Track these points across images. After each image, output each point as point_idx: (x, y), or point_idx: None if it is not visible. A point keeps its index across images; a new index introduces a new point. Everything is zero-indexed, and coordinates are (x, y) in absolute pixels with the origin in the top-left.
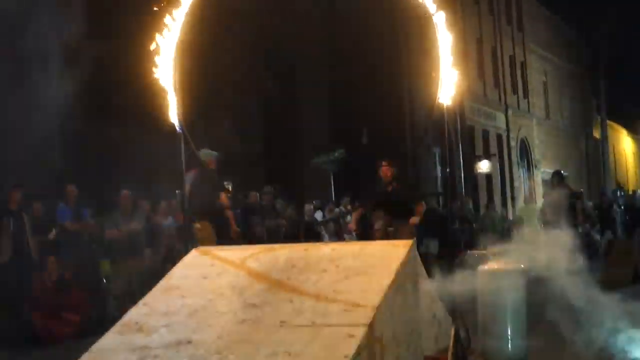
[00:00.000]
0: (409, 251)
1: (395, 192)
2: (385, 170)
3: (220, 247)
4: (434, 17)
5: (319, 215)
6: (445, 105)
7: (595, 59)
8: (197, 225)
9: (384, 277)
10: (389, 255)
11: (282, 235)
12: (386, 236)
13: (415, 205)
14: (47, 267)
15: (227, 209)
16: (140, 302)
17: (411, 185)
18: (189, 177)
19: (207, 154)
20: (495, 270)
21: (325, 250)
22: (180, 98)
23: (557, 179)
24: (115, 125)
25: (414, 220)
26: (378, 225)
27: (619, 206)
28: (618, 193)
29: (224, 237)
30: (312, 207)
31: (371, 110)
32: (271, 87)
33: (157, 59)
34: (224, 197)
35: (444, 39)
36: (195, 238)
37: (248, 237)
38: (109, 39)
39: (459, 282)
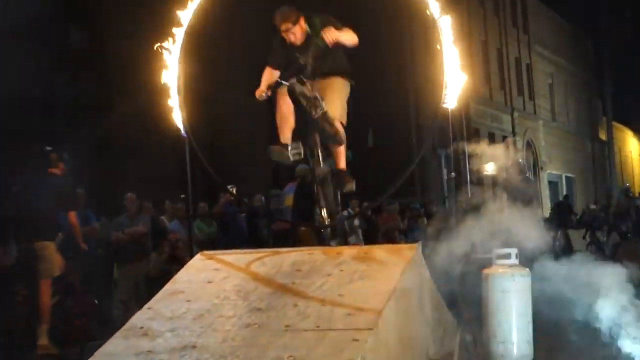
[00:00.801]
0: (414, 254)
1: None
2: None
3: (224, 251)
4: (439, 21)
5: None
6: (450, 109)
7: (601, 60)
8: (303, 229)
9: (389, 281)
10: (394, 258)
11: (287, 238)
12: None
13: None
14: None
15: None
16: (145, 307)
17: None
18: (290, 188)
19: (303, 169)
20: (500, 273)
21: (331, 253)
22: (185, 101)
23: None
24: (120, 128)
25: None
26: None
27: (636, 207)
28: (629, 193)
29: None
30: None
31: (377, 113)
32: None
33: (163, 63)
34: None
35: (450, 42)
36: (300, 239)
37: (253, 241)
38: (114, 43)
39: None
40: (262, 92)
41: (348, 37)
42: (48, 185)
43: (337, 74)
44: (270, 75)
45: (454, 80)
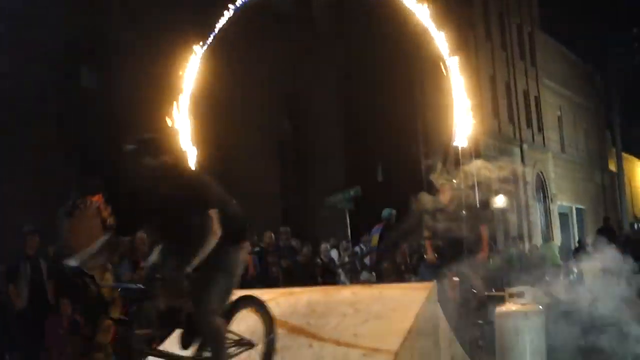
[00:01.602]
0: (429, 294)
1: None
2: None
3: (238, 292)
4: (447, 61)
5: (334, 254)
6: (460, 147)
7: (609, 91)
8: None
9: (404, 321)
10: (408, 298)
11: (298, 276)
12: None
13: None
14: (61, 309)
15: None
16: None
17: None
18: (377, 229)
19: (388, 212)
20: (514, 311)
21: (345, 293)
22: (195, 141)
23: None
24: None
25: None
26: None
27: None
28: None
29: None
30: (327, 246)
31: (386, 148)
32: (286, 127)
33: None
34: None
35: (458, 82)
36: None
37: (264, 278)
38: (125, 84)
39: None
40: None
41: None
42: None
43: None
44: None
45: (463, 119)
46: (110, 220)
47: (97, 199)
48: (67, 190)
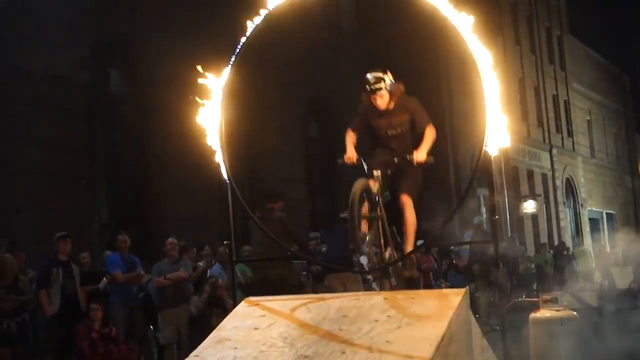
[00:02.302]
0: (462, 299)
1: None
2: None
3: (269, 297)
4: (479, 62)
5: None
6: (492, 154)
7: (639, 95)
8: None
9: (437, 327)
10: (441, 304)
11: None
12: None
13: None
14: (91, 315)
15: None
16: (192, 354)
17: None
18: (468, 235)
19: (479, 219)
20: (548, 318)
21: (377, 299)
22: (225, 146)
23: None
24: (160, 172)
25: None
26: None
27: None
28: None
29: None
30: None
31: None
32: (313, 132)
33: (203, 107)
34: None
35: (490, 83)
36: None
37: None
38: (154, 89)
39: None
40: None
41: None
42: None
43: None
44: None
45: (495, 123)
46: (291, 227)
47: (278, 206)
48: (95, 194)
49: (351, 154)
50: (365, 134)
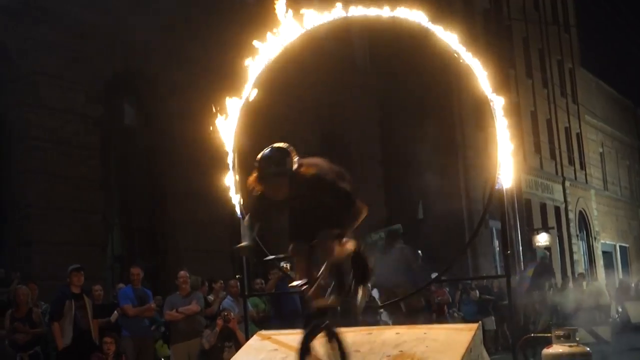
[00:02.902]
0: (475, 335)
1: None
2: None
3: (281, 331)
4: (492, 102)
5: (375, 294)
6: (504, 188)
7: None
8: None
9: None
10: (454, 339)
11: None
12: None
13: None
14: (104, 349)
15: None
16: None
17: None
18: (532, 265)
19: (543, 253)
20: (561, 354)
21: (389, 334)
22: (239, 181)
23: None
24: (174, 206)
25: None
26: None
27: None
28: None
29: None
30: (369, 285)
31: (426, 185)
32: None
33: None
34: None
35: (502, 122)
36: None
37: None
38: (167, 122)
39: None
40: None
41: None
42: None
43: None
44: None
45: (506, 159)
46: None
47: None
48: (108, 227)
49: None
50: None
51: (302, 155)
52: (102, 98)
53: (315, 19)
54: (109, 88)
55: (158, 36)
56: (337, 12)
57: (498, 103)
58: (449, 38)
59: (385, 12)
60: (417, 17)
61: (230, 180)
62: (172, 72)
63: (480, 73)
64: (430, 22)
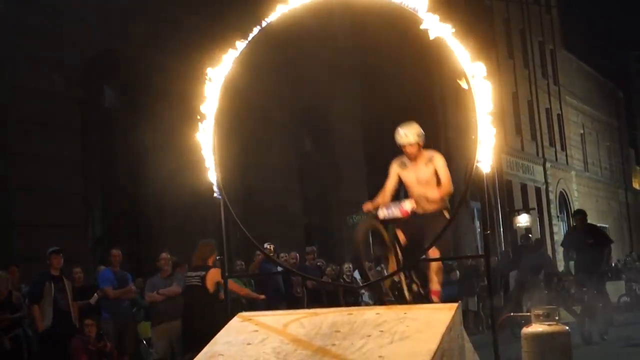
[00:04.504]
0: (454, 314)
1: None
2: None
3: (262, 312)
4: (471, 77)
5: (357, 275)
6: (484, 169)
7: (633, 109)
8: None
9: (430, 342)
10: (434, 318)
11: (322, 296)
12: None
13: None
14: (85, 331)
15: None
16: None
17: None
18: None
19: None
20: (540, 333)
21: (370, 314)
22: (219, 161)
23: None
24: (154, 188)
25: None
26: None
27: None
28: None
29: None
30: (350, 266)
31: None
32: (307, 145)
33: (197, 122)
34: None
35: (481, 100)
36: None
37: (288, 298)
38: (148, 104)
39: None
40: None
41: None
42: None
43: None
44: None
45: (486, 139)
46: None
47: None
48: (89, 209)
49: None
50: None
51: None
52: (82, 80)
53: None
54: (89, 70)
55: (139, 17)
56: None
57: (479, 72)
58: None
59: None
60: None
61: (210, 162)
62: (152, 54)
63: (460, 48)
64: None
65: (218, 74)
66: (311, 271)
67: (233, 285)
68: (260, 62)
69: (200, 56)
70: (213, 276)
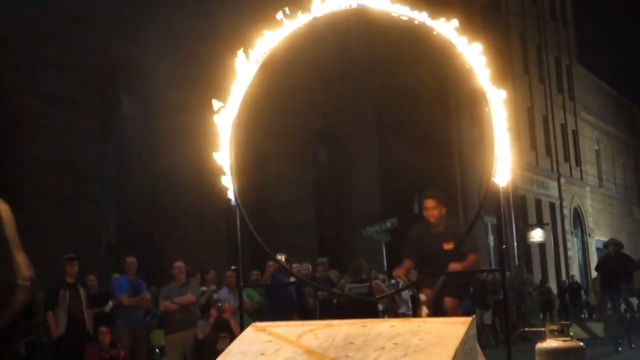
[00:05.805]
0: (469, 328)
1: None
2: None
3: (276, 322)
4: (488, 94)
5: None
6: (500, 183)
7: None
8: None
9: (443, 356)
10: (448, 332)
11: (334, 307)
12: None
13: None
14: (99, 338)
15: None
16: None
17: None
18: None
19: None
20: (554, 349)
21: (384, 326)
22: (235, 171)
23: (614, 247)
24: (170, 196)
25: (456, 267)
26: (424, 297)
27: None
28: None
29: None
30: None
31: (422, 179)
32: (323, 158)
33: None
34: None
35: (499, 116)
36: None
37: (300, 310)
38: (164, 113)
39: None
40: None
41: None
42: None
43: None
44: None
45: (503, 154)
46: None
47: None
48: (103, 217)
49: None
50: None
51: None
52: (99, 87)
53: (319, 8)
54: (107, 78)
55: (157, 26)
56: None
57: (496, 96)
58: (447, 32)
59: (384, 4)
60: (415, 14)
61: (227, 171)
62: (170, 63)
63: (477, 65)
64: (428, 18)
65: (237, 85)
66: (322, 283)
67: None
68: (278, 74)
69: (219, 66)
70: None
